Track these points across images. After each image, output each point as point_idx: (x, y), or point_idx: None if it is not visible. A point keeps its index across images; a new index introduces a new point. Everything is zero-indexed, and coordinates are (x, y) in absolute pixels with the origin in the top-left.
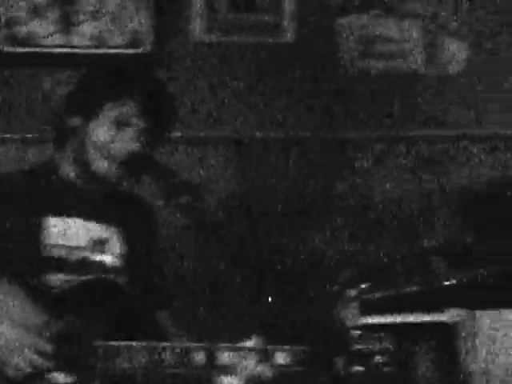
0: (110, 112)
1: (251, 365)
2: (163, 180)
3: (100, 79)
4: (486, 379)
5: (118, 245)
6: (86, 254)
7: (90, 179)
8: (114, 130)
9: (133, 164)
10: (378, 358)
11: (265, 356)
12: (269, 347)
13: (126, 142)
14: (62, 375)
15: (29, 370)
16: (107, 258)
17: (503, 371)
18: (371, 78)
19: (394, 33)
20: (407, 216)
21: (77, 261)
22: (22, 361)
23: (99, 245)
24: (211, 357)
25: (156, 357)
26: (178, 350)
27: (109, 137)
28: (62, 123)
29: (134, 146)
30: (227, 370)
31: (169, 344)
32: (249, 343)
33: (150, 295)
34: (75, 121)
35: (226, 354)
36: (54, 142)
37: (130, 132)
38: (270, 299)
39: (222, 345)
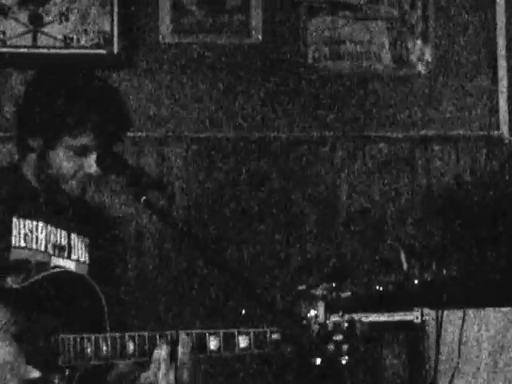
0: (69, 143)
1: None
2: (132, 178)
3: (58, 97)
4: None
5: (81, 252)
6: (48, 257)
7: (54, 192)
8: (72, 158)
9: (101, 163)
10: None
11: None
12: (232, 330)
13: (86, 168)
14: (30, 367)
15: None
16: (70, 264)
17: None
18: (338, 79)
19: (362, 34)
20: (375, 216)
21: (38, 263)
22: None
23: (60, 250)
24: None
25: (119, 346)
26: (141, 340)
27: (68, 165)
28: (22, 139)
29: (94, 170)
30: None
31: (132, 333)
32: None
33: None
34: (34, 142)
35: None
36: (17, 149)
37: (88, 159)
38: (243, 312)
39: (183, 331)
